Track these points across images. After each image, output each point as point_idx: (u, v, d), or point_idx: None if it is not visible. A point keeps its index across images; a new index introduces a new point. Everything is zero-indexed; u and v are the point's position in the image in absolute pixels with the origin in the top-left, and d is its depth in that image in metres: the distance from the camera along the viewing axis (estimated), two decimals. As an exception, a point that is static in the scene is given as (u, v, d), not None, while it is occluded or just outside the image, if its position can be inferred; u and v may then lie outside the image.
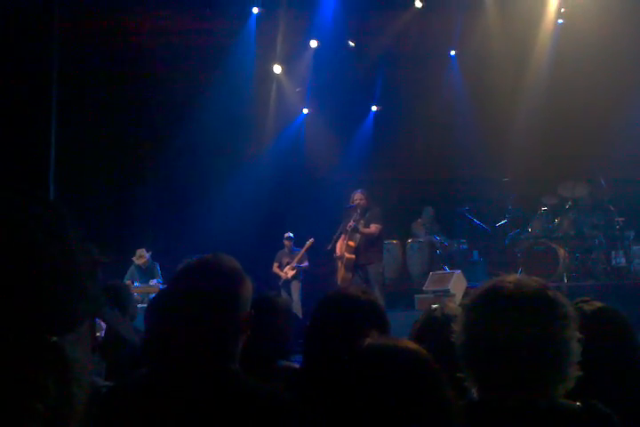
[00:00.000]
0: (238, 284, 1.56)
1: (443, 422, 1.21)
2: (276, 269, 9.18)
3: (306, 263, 9.05)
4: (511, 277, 1.50)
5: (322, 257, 8.32)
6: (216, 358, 1.50)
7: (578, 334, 1.43)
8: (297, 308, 8.61)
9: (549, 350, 1.39)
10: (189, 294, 1.53)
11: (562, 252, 7.97)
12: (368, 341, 1.28)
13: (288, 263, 9.08)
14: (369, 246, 7.32)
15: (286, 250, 9.20)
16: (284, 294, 8.81)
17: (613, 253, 8.15)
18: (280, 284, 9.01)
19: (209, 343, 1.49)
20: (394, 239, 9.18)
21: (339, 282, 7.26)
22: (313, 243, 8.82)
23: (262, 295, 2.91)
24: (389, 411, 1.17)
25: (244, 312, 1.56)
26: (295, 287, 8.98)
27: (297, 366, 2.51)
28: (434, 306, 2.19)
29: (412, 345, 1.29)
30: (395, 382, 1.19)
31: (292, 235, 9.18)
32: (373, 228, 7.27)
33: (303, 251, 8.97)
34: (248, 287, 1.58)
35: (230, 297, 1.53)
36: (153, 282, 8.62)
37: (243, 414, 1.42)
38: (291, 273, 9.00)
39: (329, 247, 7.43)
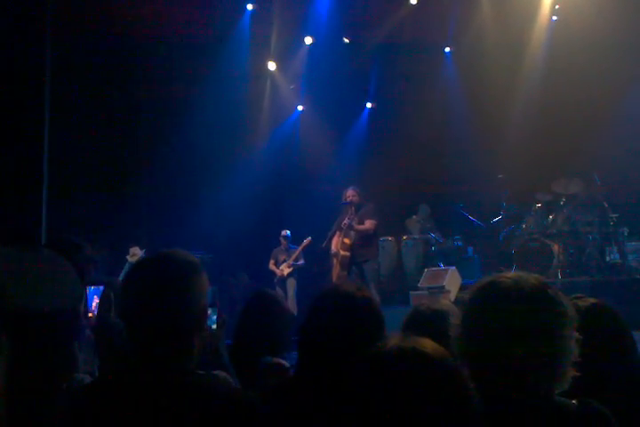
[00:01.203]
0: (191, 276, 1.52)
1: None
2: (271, 266, 9.19)
3: (302, 261, 9.05)
4: (512, 273, 1.50)
5: (317, 254, 8.32)
6: (169, 354, 1.46)
7: (577, 335, 1.43)
8: (292, 305, 8.61)
9: (545, 348, 1.39)
10: (140, 287, 1.50)
11: (556, 248, 8.00)
12: (392, 341, 1.20)
13: (284, 261, 9.08)
14: (364, 244, 7.31)
15: (282, 247, 9.21)
16: (279, 291, 8.80)
17: (607, 249, 8.17)
18: (275, 281, 9.02)
19: (161, 338, 1.46)
20: (389, 236, 9.19)
21: (334, 279, 7.26)
22: (310, 242, 8.83)
23: (259, 292, 2.91)
24: (410, 420, 1.11)
25: (199, 306, 1.51)
26: (290, 285, 8.99)
27: (284, 362, 2.51)
28: (423, 301, 2.22)
29: (441, 350, 1.20)
30: (424, 390, 1.12)
31: (288, 233, 9.18)
32: (368, 224, 7.26)
33: (300, 249, 8.97)
34: (202, 281, 1.54)
35: (182, 289, 1.49)
36: None
37: (191, 415, 1.38)
38: (287, 271, 9.01)
39: (324, 245, 7.43)
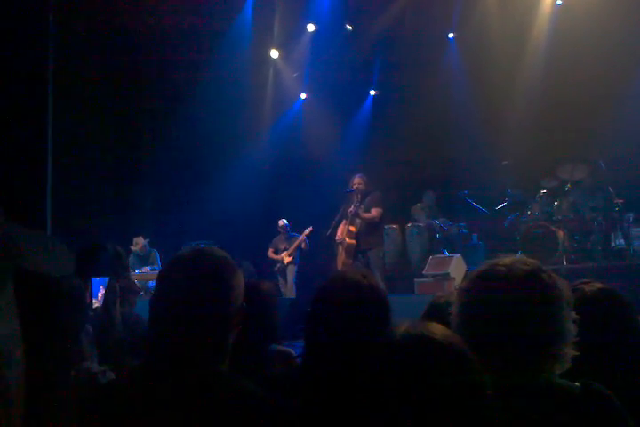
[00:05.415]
0: (231, 273, 1.50)
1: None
2: (270, 254, 9.25)
3: (306, 242, 9.04)
4: (506, 260, 1.50)
5: (320, 242, 8.33)
6: (206, 355, 1.43)
7: (573, 315, 1.44)
8: (290, 290, 8.69)
9: (542, 331, 1.40)
10: (179, 283, 1.46)
11: (561, 234, 7.98)
12: (402, 328, 1.18)
13: (285, 249, 9.13)
14: (370, 231, 7.31)
15: (282, 236, 9.24)
16: (279, 278, 8.89)
17: (613, 235, 8.15)
18: (276, 269, 9.07)
19: (199, 338, 1.43)
20: (393, 224, 9.18)
21: (339, 267, 7.27)
22: (312, 231, 8.85)
23: (246, 282, 2.90)
24: (420, 407, 1.10)
25: (237, 306, 1.50)
26: (290, 271, 9.07)
27: (289, 349, 2.52)
28: (439, 294, 2.21)
29: (451, 336, 1.19)
30: (433, 376, 1.11)
31: (286, 222, 9.21)
32: (374, 212, 7.26)
33: (301, 239, 8.98)
34: (240, 280, 1.53)
35: (223, 287, 1.47)
36: (146, 269, 8.61)
37: (228, 419, 1.35)
38: (287, 260, 9.06)
39: (328, 233, 7.43)
